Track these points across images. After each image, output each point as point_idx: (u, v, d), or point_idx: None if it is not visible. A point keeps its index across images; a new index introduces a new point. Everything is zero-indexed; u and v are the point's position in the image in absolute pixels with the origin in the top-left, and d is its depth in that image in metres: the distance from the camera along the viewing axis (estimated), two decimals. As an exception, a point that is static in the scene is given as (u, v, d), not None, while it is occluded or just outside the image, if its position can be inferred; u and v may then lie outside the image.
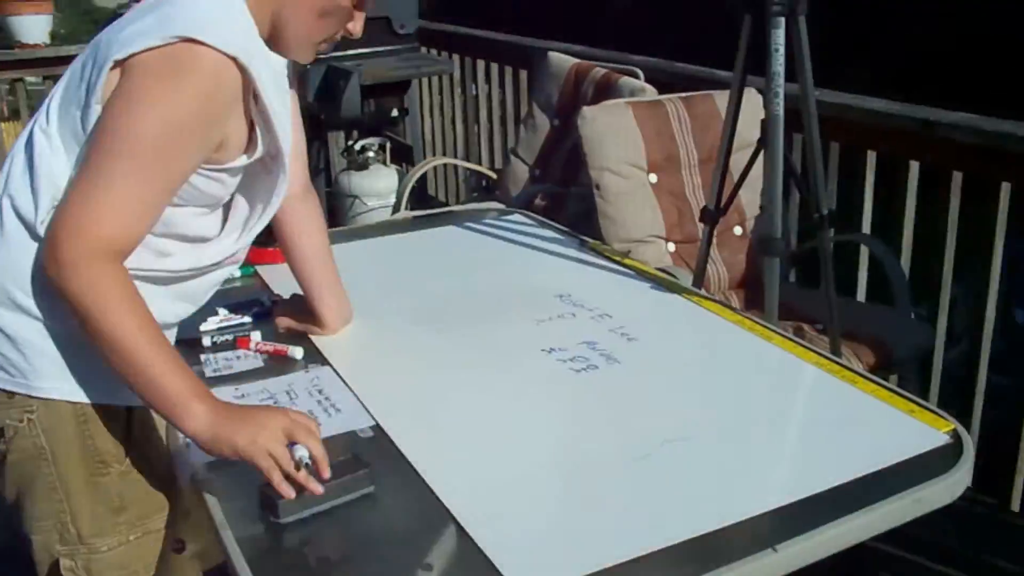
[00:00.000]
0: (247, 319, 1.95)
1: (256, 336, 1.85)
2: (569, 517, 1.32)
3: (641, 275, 2.17)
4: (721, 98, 3.10)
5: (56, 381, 1.44)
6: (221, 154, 1.44)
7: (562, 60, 3.82)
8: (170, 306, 1.57)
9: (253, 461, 1.29)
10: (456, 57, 5.29)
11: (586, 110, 2.95)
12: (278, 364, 1.77)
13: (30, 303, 1.41)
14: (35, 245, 1.39)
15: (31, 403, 1.45)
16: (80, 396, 1.46)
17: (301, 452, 1.30)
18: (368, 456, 1.41)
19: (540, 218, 2.60)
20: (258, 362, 1.79)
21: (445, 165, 5.37)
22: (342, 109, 4.26)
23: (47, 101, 1.47)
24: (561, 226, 2.51)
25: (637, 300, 2.05)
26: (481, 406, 1.62)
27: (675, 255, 2.96)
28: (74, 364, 1.45)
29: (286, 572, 1.26)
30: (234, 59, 1.34)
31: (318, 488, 1.30)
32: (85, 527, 1.50)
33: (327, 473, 1.31)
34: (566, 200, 3.49)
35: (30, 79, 5.89)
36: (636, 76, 3.53)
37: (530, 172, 3.81)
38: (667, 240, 2.95)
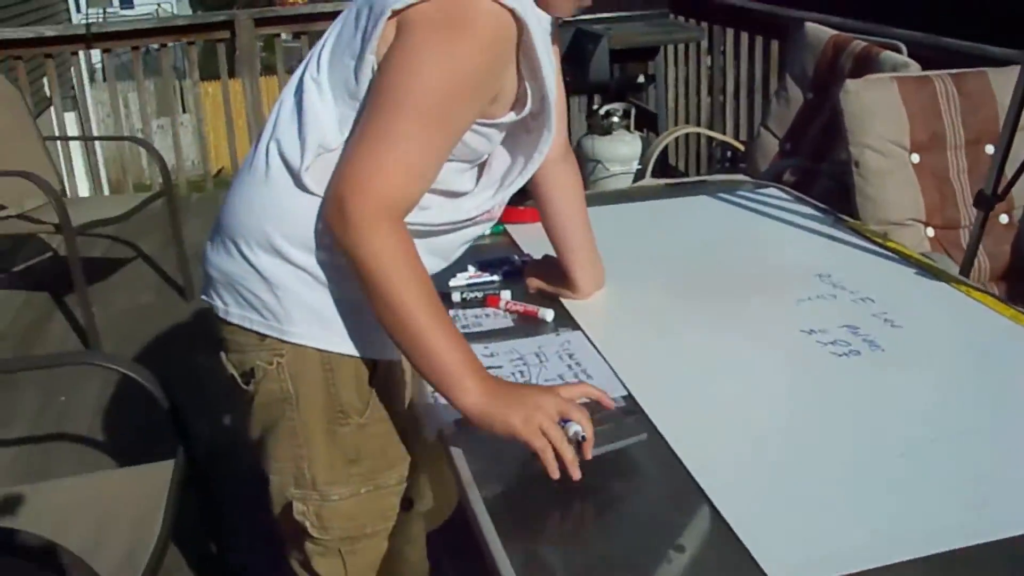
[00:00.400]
0: (496, 277, 1.96)
1: (506, 295, 1.85)
2: (824, 511, 1.24)
3: (904, 259, 2.05)
4: (996, 76, 2.92)
5: (308, 327, 1.46)
6: (494, 108, 1.42)
7: (819, 31, 3.66)
8: (424, 260, 1.57)
9: (528, 440, 1.26)
10: (705, 25, 5.18)
11: (850, 83, 2.81)
12: (527, 325, 1.77)
13: (289, 248, 1.43)
14: (298, 191, 1.41)
15: (282, 347, 1.47)
16: (330, 345, 1.47)
17: (576, 428, 1.28)
18: (620, 426, 1.38)
19: (795, 193, 2.50)
20: (507, 321, 1.79)
21: (689, 135, 5.27)
22: (590, 73, 4.24)
23: (318, 49, 1.48)
24: (817, 203, 2.41)
25: (900, 285, 1.94)
26: (737, 384, 1.56)
27: (934, 240, 2.80)
28: (327, 313, 1.46)
29: (531, 535, 1.24)
30: (511, 10, 1.32)
31: (577, 473, 1.26)
32: (320, 474, 1.53)
33: (590, 455, 1.29)
34: (817, 176, 3.36)
35: (285, 36, 6.14)
36: (898, 50, 3.35)
37: (780, 146, 3.69)
38: (927, 224, 2.80)
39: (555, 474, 1.25)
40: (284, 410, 1.50)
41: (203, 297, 1.57)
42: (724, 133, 4.98)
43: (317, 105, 1.42)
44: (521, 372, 1.58)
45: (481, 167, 1.57)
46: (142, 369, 2.10)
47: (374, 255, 1.30)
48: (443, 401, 1.41)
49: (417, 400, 1.58)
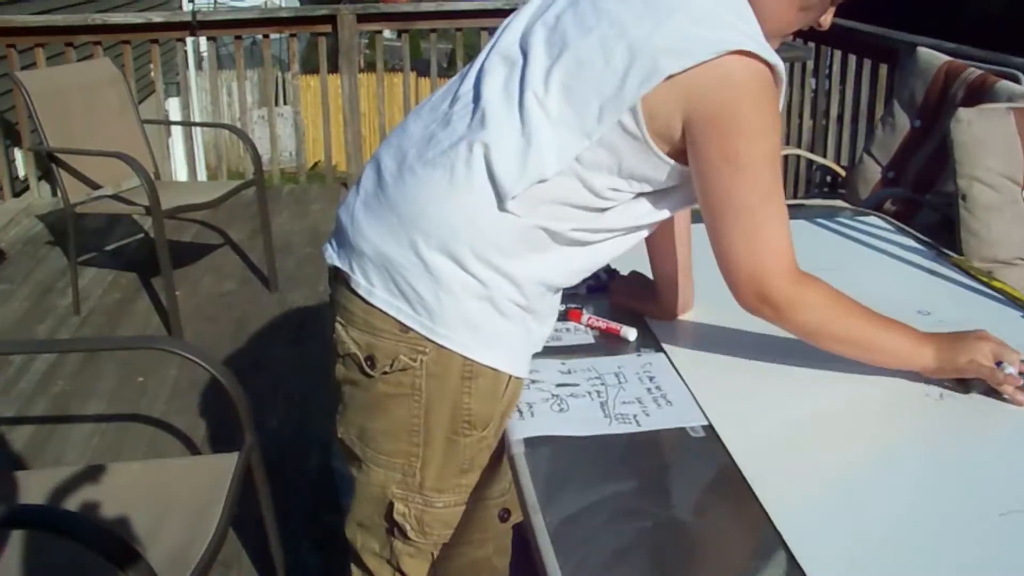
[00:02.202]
0: (580, 291, 1.90)
1: (588, 310, 1.79)
2: (909, 568, 1.16)
3: (1011, 300, 1.94)
4: (1120, 113, 2.77)
5: (458, 331, 1.43)
6: None
7: (932, 57, 3.54)
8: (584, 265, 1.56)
9: (977, 373, 1.49)
10: (812, 44, 5.06)
11: (961, 112, 2.70)
12: (609, 343, 1.71)
13: (471, 259, 1.40)
14: (497, 210, 1.39)
15: (425, 344, 1.43)
16: (476, 354, 1.44)
17: (1011, 369, 1.48)
18: (695, 458, 1.31)
19: (897, 223, 2.40)
20: (588, 337, 1.73)
21: (789, 156, 5.14)
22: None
23: (537, 64, 1.41)
24: (920, 235, 2.30)
25: (1005, 328, 1.82)
26: (824, 422, 1.48)
27: (1042, 282, 2.66)
28: (482, 324, 1.43)
29: (593, 568, 1.16)
30: (773, 67, 1.37)
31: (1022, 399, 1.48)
32: (430, 478, 1.50)
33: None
34: (920, 208, 3.24)
35: (388, 33, 6.16)
36: (1016, 80, 3.21)
37: (883, 173, 3.57)
38: (1035, 264, 2.66)
39: (1013, 393, 1.49)
40: (410, 407, 1.47)
41: (339, 265, 1.51)
42: (825, 157, 4.85)
43: (545, 131, 1.38)
44: (598, 392, 1.52)
45: None
46: (213, 358, 2.08)
47: (816, 323, 1.48)
48: (513, 418, 1.42)
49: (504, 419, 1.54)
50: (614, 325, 1.74)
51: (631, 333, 1.72)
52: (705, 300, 1.81)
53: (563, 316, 1.78)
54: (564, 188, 1.40)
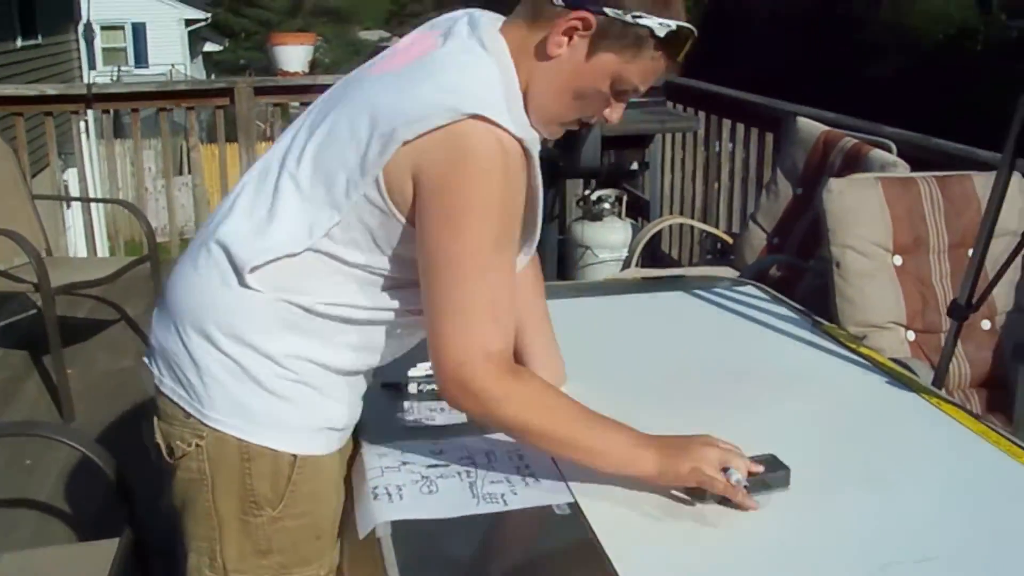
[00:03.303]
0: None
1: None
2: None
3: (877, 366, 2.01)
4: (981, 180, 2.90)
5: (228, 416, 1.45)
6: None
7: (811, 127, 3.67)
8: (392, 345, 1.55)
9: (699, 482, 1.40)
10: (702, 114, 5.19)
11: (833, 182, 2.80)
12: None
13: (220, 337, 1.43)
14: (237, 285, 1.42)
15: (203, 429, 1.45)
16: (248, 435, 1.45)
17: (737, 476, 1.40)
18: (559, 536, 1.33)
19: (773, 292, 2.47)
20: (461, 417, 1.73)
21: (682, 225, 5.25)
22: (581, 159, 4.23)
23: (295, 140, 1.46)
24: (795, 304, 2.37)
25: (869, 393, 1.89)
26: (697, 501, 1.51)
27: (914, 345, 2.76)
28: (250, 404, 1.45)
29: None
30: (520, 140, 1.34)
31: (754, 504, 1.40)
32: (231, 561, 1.50)
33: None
34: (804, 274, 3.33)
35: (293, 104, 6.18)
36: (888, 149, 3.34)
37: (768, 240, 3.67)
38: (907, 328, 2.76)
39: (742, 500, 1.40)
40: (200, 490, 1.48)
41: (144, 359, 1.55)
42: (717, 222, 4.97)
43: (292, 206, 1.40)
44: (468, 471, 1.53)
45: None
46: (94, 444, 2.07)
47: (515, 415, 1.39)
48: (379, 500, 1.40)
49: (355, 498, 1.53)
50: (488, 403, 1.75)
51: (505, 411, 1.73)
52: (581, 376, 1.84)
53: (437, 395, 1.80)
54: (316, 264, 1.41)
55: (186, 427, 1.46)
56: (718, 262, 4.07)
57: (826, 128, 3.62)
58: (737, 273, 3.39)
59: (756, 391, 1.86)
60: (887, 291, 2.75)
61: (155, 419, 1.52)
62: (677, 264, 5.24)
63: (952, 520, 1.46)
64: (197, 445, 1.45)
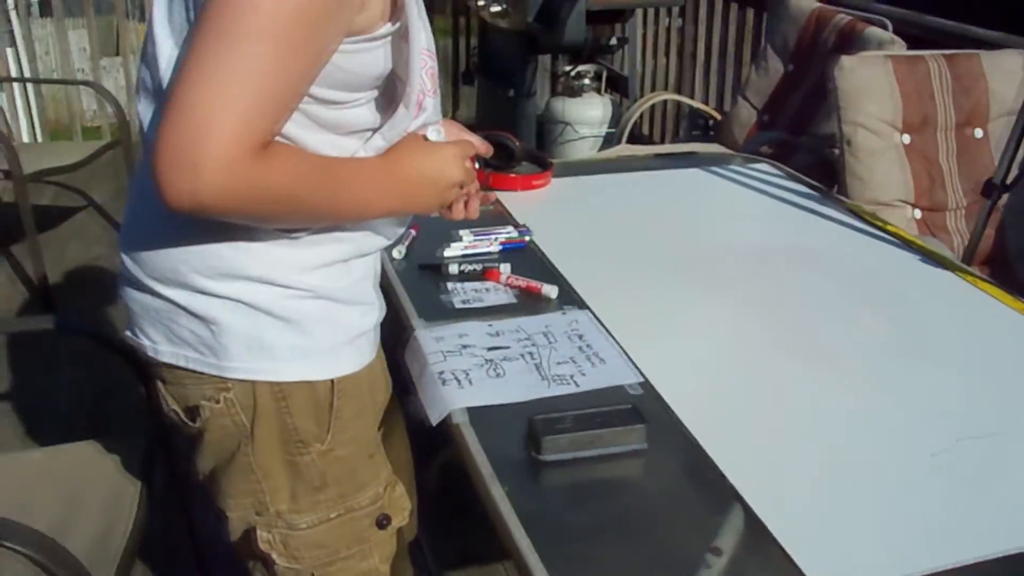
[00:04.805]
0: (494, 249, 1.88)
1: (506, 268, 1.78)
2: (860, 512, 1.19)
3: (906, 244, 2.01)
4: (988, 59, 2.88)
5: (250, 360, 1.29)
6: (364, 21, 1.16)
7: (801, 2, 3.61)
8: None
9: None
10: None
11: (845, 60, 2.75)
12: (531, 302, 1.70)
13: (207, 282, 1.25)
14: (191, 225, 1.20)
15: (225, 382, 1.30)
16: (277, 375, 1.30)
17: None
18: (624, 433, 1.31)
19: (789, 170, 2.45)
20: (510, 297, 1.71)
21: (667, 101, 5.15)
22: (565, 33, 4.13)
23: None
24: (814, 182, 2.36)
25: (900, 270, 1.90)
26: (756, 373, 1.51)
27: (920, 222, 2.77)
28: (269, 340, 1.28)
29: (559, 536, 1.16)
30: None
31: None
32: (284, 505, 1.38)
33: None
34: (796, 150, 3.31)
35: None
36: (884, 27, 3.30)
37: (758, 117, 3.64)
38: (914, 206, 2.76)
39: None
40: (239, 444, 1.34)
41: (127, 333, 1.36)
42: (694, 98, 4.91)
43: (167, 50, 1.16)
44: (531, 353, 1.51)
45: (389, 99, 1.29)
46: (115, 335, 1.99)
47: (244, 203, 1.09)
48: (448, 386, 1.38)
49: (417, 383, 1.50)
50: (534, 283, 1.73)
51: (552, 291, 1.71)
52: (616, 255, 1.82)
53: (481, 275, 1.77)
54: None
55: (205, 384, 1.31)
56: (704, 140, 4.03)
57: (818, 4, 3.56)
58: (728, 150, 3.36)
59: (784, 269, 1.87)
60: (895, 169, 2.74)
61: (160, 388, 1.37)
62: (654, 142, 5.19)
63: (1008, 396, 1.47)
64: (225, 399, 1.31)
